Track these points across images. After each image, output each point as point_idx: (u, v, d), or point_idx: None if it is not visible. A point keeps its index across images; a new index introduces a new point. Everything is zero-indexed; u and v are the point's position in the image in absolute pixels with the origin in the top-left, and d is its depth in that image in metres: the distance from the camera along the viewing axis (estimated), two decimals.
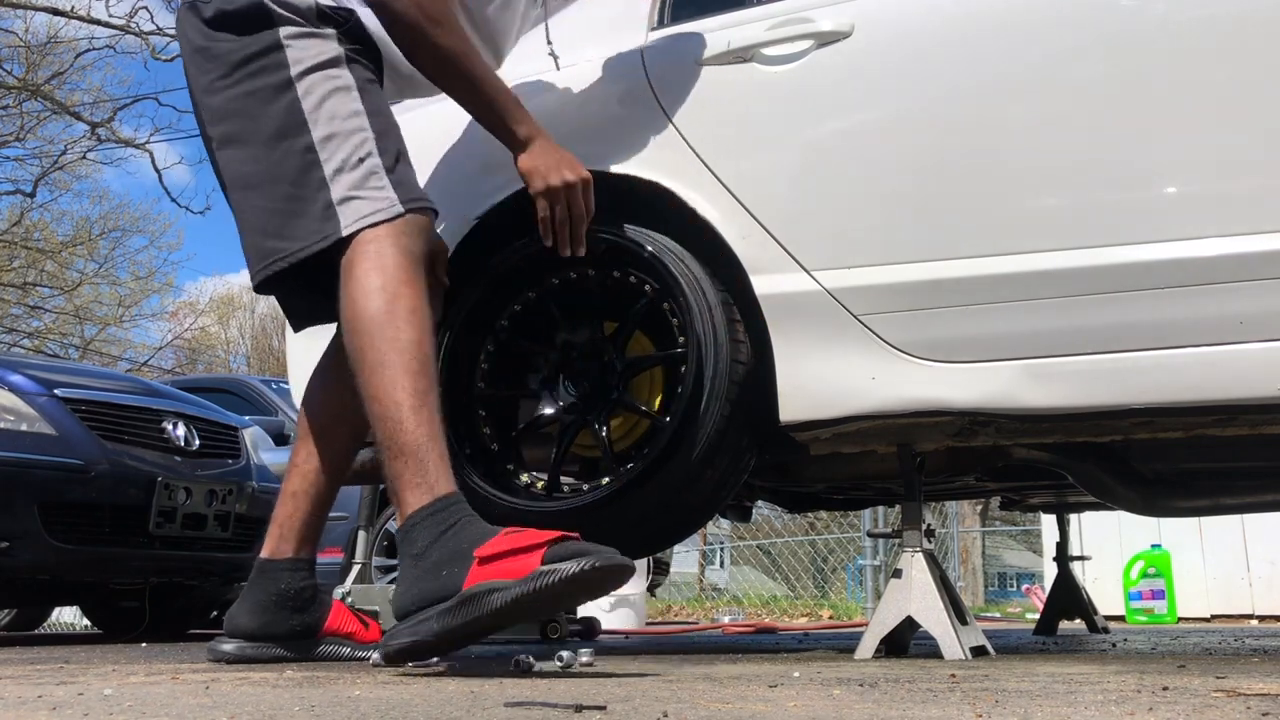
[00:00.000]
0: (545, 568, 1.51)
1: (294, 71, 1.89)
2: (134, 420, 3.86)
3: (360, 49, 1.97)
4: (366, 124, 1.88)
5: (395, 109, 2.38)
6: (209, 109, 1.96)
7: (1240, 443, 2.08)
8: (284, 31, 1.91)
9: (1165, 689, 1.32)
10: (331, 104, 1.88)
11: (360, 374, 1.75)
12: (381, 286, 1.77)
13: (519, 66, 2.56)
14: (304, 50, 1.91)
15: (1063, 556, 3.60)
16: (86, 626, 7.55)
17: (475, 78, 1.97)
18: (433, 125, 2.54)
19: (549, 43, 2.38)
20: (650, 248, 2.16)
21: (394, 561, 5.69)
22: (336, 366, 2.05)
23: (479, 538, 1.60)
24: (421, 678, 1.60)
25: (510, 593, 1.52)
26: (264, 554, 2.03)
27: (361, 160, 1.85)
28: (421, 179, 2.24)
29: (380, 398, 1.72)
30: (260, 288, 1.92)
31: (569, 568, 1.51)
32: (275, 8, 1.91)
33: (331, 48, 1.92)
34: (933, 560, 2.02)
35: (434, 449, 1.68)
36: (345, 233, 1.81)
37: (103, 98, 18.09)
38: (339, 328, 2.08)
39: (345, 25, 1.95)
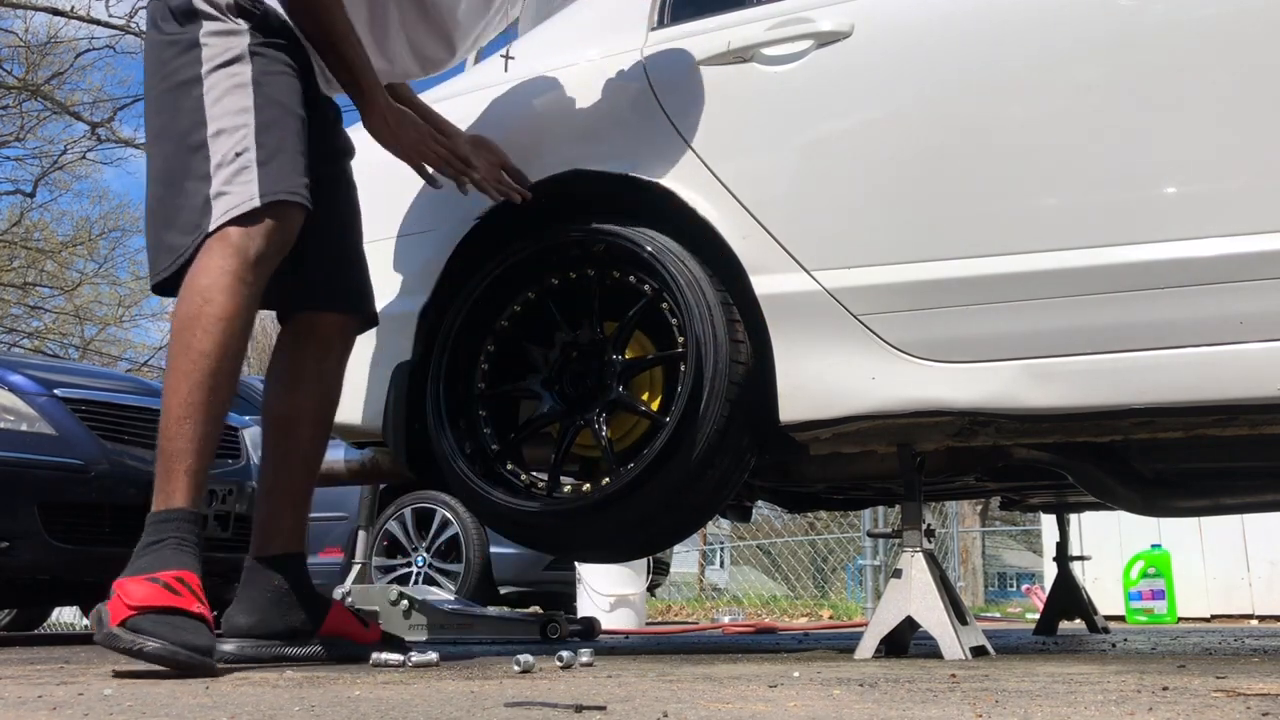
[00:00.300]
0: (115, 629, 1.62)
1: (204, 69, 1.91)
2: (134, 420, 3.86)
3: (278, 41, 1.97)
4: (252, 119, 1.88)
5: None
6: (149, 102, 1.99)
7: (1240, 443, 2.08)
8: (205, 28, 1.93)
9: (1165, 689, 1.32)
10: (227, 100, 1.89)
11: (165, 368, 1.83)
12: (200, 289, 1.81)
13: (525, 63, 2.56)
14: (215, 47, 1.92)
15: (1063, 556, 3.60)
16: (86, 626, 7.54)
17: (337, 34, 1.98)
18: None
19: (507, 55, 2.41)
20: (650, 248, 2.16)
21: (394, 561, 5.70)
22: (283, 364, 2.10)
23: (149, 568, 1.68)
24: (422, 678, 1.60)
25: (103, 630, 1.64)
26: (252, 554, 2.05)
27: (238, 155, 1.86)
28: (422, 179, 2.24)
29: (164, 396, 1.81)
30: (159, 288, 1.93)
31: (124, 641, 1.60)
32: (199, 4, 1.93)
33: (239, 43, 1.93)
34: (933, 560, 2.02)
35: (183, 462, 1.76)
36: (211, 228, 1.83)
37: (103, 98, 18.13)
38: (282, 326, 2.13)
39: (258, 18, 1.96)
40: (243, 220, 1.83)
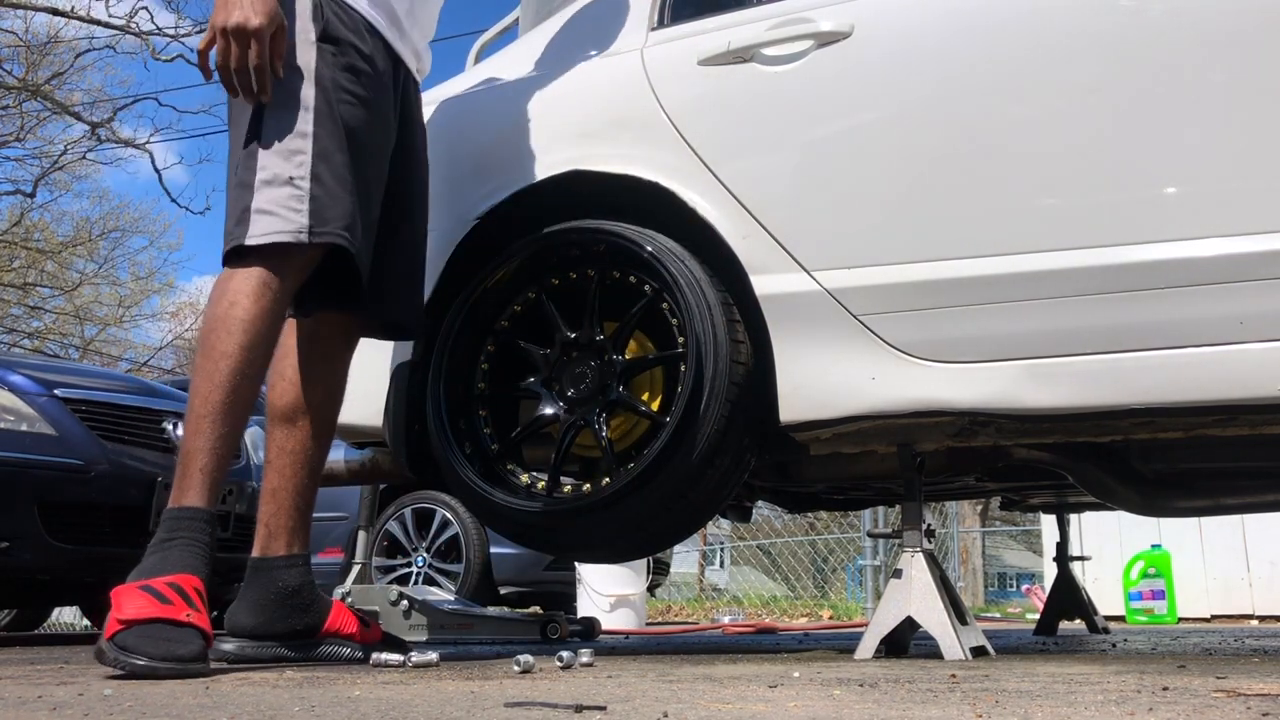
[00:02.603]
0: (104, 644, 1.63)
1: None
2: (134, 420, 3.86)
3: (351, 48, 1.99)
4: (309, 146, 1.91)
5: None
6: None
7: (1240, 443, 2.08)
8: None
9: (1165, 689, 1.32)
10: (287, 119, 1.91)
11: None
12: (228, 293, 1.86)
13: (525, 63, 2.56)
14: (285, 55, 1.93)
15: (1063, 556, 3.60)
16: (86, 626, 7.55)
17: None
18: (432, 125, 2.54)
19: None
20: (650, 248, 2.16)
21: (394, 561, 5.70)
22: (289, 361, 2.11)
23: (149, 571, 1.70)
24: (422, 678, 1.60)
25: (97, 644, 1.66)
26: (255, 553, 2.04)
27: (290, 179, 1.89)
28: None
29: (189, 397, 1.84)
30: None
31: (109, 658, 1.61)
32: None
33: (306, 57, 1.94)
34: (933, 560, 2.02)
35: (198, 460, 1.79)
36: (249, 242, 1.87)
37: (103, 98, 18.11)
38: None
39: (330, 20, 1.98)
40: (281, 251, 1.88)
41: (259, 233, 1.87)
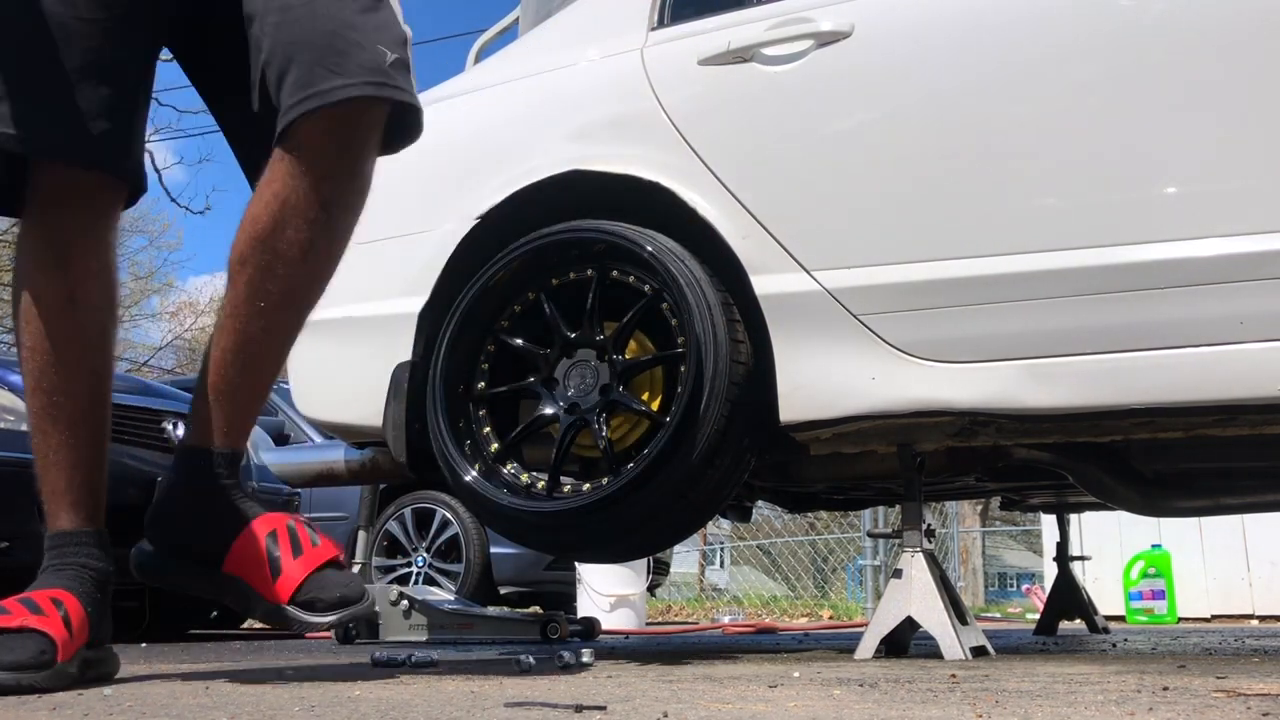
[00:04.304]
0: None
1: None
2: (134, 420, 3.85)
3: None
4: None
5: None
6: None
7: (1240, 443, 2.08)
8: None
9: (1165, 689, 1.32)
10: None
11: None
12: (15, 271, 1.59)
13: (525, 63, 2.57)
14: None
15: (1063, 556, 3.60)
16: None
17: None
18: (432, 125, 2.54)
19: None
20: (650, 247, 2.16)
21: (394, 561, 5.70)
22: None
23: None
24: (422, 678, 1.60)
25: None
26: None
27: None
28: (421, 179, 2.24)
29: None
30: None
31: None
32: None
33: None
34: (933, 560, 2.02)
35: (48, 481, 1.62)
36: None
37: None
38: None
39: None
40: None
41: None
